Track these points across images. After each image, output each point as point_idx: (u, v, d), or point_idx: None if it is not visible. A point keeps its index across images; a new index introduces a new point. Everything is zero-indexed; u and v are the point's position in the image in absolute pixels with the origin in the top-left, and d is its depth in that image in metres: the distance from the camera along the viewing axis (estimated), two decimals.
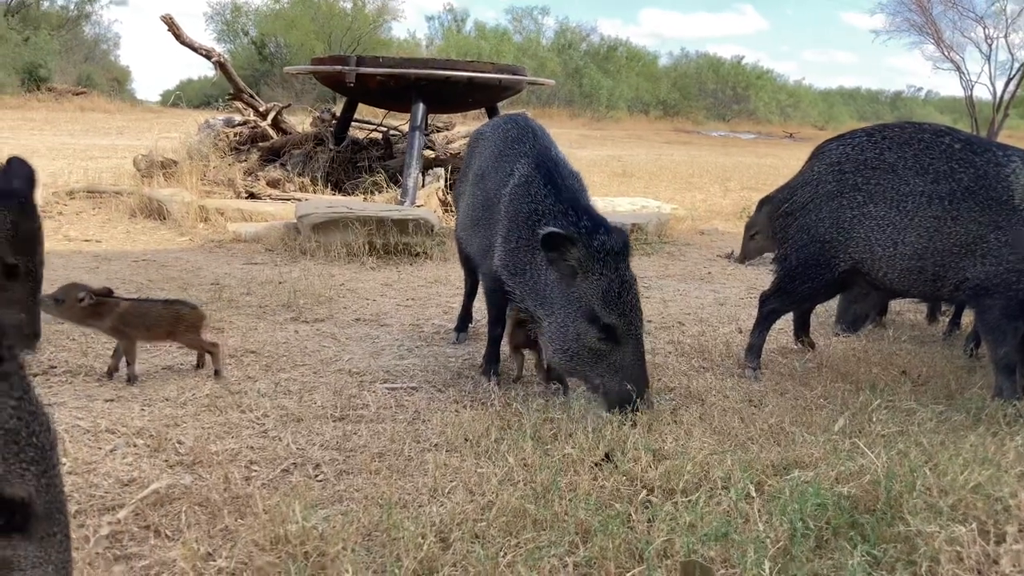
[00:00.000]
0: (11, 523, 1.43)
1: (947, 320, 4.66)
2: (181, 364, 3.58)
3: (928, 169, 3.38)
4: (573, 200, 3.26)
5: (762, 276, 6.09)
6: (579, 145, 22.87)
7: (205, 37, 41.80)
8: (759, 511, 2.28)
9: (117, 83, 37.74)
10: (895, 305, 5.11)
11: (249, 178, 7.92)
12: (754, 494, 2.36)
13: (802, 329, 4.31)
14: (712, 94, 45.37)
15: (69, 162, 11.23)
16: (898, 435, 2.90)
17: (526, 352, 3.64)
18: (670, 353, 4.08)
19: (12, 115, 23.00)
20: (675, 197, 10.80)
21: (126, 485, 2.44)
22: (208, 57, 8.49)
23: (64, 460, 2.53)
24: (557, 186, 3.30)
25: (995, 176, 3.28)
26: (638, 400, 3.04)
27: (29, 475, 1.43)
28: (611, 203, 8.50)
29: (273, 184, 7.85)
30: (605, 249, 3.05)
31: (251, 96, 8.92)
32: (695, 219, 8.82)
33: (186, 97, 31.99)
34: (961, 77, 33.91)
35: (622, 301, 3.06)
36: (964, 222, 3.28)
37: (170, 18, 8.07)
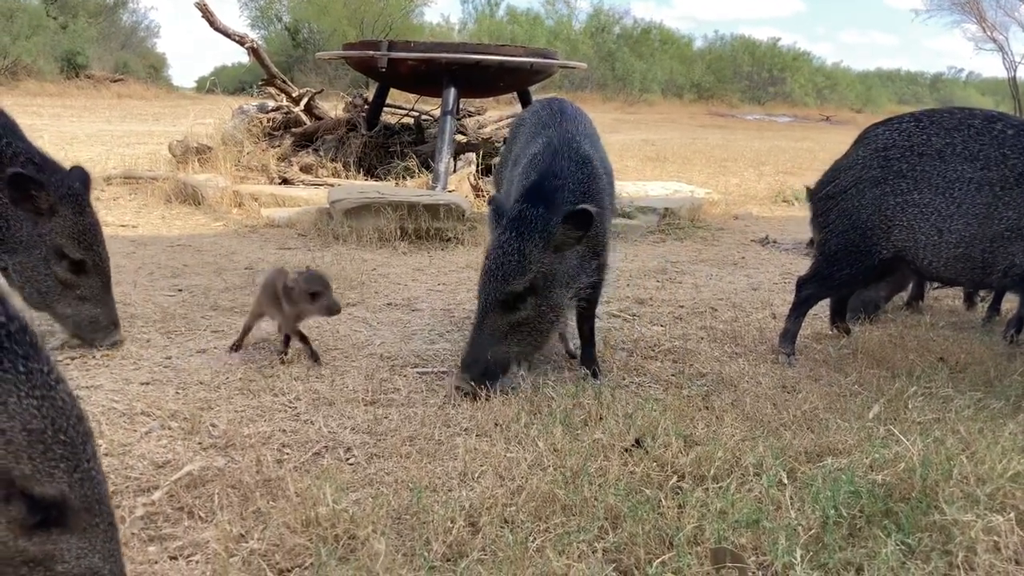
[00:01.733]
0: (48, 520, 1.46)
1: (986, 306, 4.57)
2: (215, 348, 3.62)
3: (978, 155, 3.30)
4: (539, 178, 3.24)
5: (796, 262, 6.02)
6: (612, 129, 22.73)
7: (239, 23, 42.13)
8: (791, 498, 2.26)
9: (154, 70, 38.18)
10: (934, 291, 5.02)
11: (282, 163, 7.96)
12: (786, 481, 2.34)
13: (838, 315, 4.25)
14: (747, 77, 44.81)
15: (107, 148, 11.40)
16: (934, 422, 2.86)
17: None
18: (702, 339, 4.05)
19: (52, 102, 23.38)
20: (709, 181, 10.70)
21: (160, 467, 2.48)
22: (241, 43, 8.53)
23: (100, 442, 2.58)
24: (544, 164, 3.29)
25: None
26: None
27: (59, 472, 1.45)
28: (643, 187, 8.45)
29: (306, 169, 7.89)
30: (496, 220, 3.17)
31: (284, 82, 8.96)
32: (729, 204, 8.73)
33: (221, 83, 32.20)
34: (1004, 58, 33.22)
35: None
36: (1017, 207, 3.20)
37: (204, 4, 8.12)
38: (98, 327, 3.48)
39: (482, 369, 3.09)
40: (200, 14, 8.15)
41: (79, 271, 3.40)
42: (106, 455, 2.50)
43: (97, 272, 3.45)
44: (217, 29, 8.40)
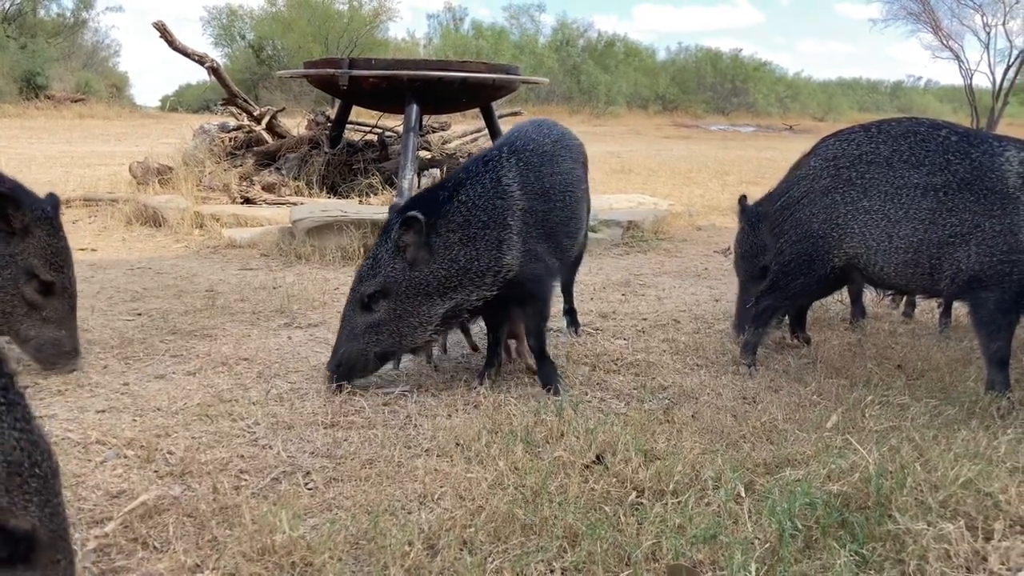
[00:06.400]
0: (15, 554, 1.45)
1: (940, 312, 4.65)
2: (173, 373, 3.57)
3: (924, 161, 3.37)
4: (424, 191, 3.61)
5: None
6: None
7: (202, 42, 41.85)
8: (749, 511, 2.27)
9: (116, 89, 37.73)
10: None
11: (244, 183, 7.90)
12: (743, 494, 2.35)
13: (798, 324, 4.30)
14: (711, 88, 45.26)
15: (67, 170, 11.26)
16: (891, 431, 2.89)
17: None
18: (665, 351, 4.07)
19: (11, 124, 23.06)
20: (673, 193, 10.79)
21: (115, 497, 2.44)
22: (201, 63, 8.47)
23: None
24: (442, 179, 3.51)
25: (990, 165, 3.28)
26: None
27: (32, 506, 1.45)
28: (608, 201, 8.49)
29: (268, 188, 7.84)
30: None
31: (245, 101, 8.91)
32: (692, 215, 8.80)
33: (185, 102, 31.96)
34: (960, 66, 33.88)
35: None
36: (959, 212, 3.27)
37: (162, 24, 8.06)
38: (60, 351, 3.46)
39: (338, 363, 3.30)
40: (159, 34, 8.09)
41: (47, 293, 3.42)
42: None
43: (64, 295, 3.47)
44: (176, 49, 8.33)
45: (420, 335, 3.34)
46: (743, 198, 4.34)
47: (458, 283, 3.29)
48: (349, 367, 3.30)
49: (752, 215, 4.17)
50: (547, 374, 3.49)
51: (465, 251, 3.28)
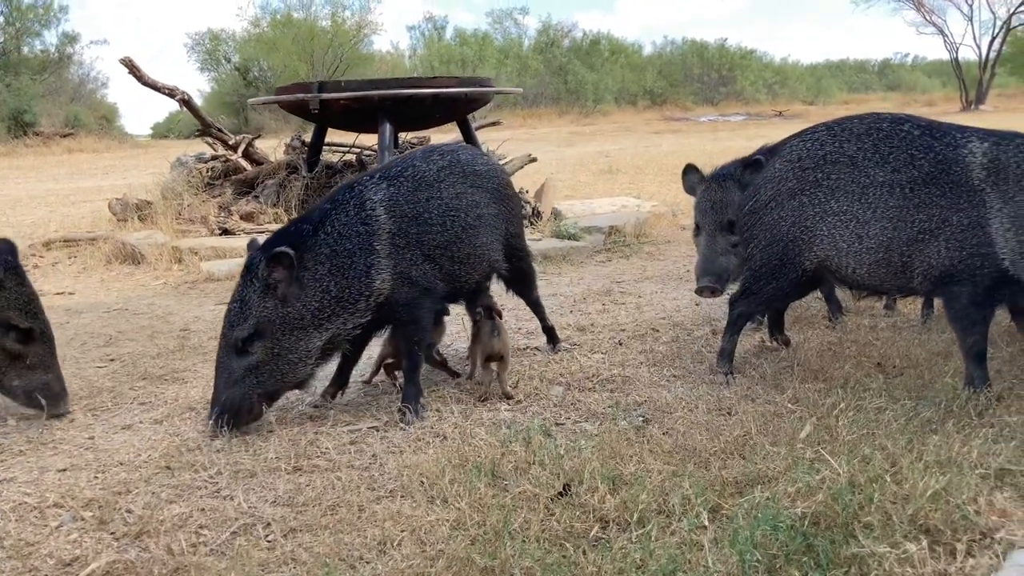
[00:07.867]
0: None
1: (921, 305, 4.58)
2: (140, 422, 3.51)
3: (888, 158, 3.32)
4: (288, 223, 3.60)
5: None
6: (567, 143, 22.84)
7: (188, 68, 41.93)
8: (713, 539, 2.21)
9: (105, 120, 37.72)
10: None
11: (223, 213, 7.85)
12: (707, 523, 2.29)
13: (776, 327, 4.24)
14: (698, 79, 45.16)
15: (51, 210, 11.23)
16: (864, 439, 2.82)
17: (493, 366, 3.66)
18: (642, 364, 4.01)
19: (0, 163, 23.02)
20: (660, 191, 10.71)
21: (68, 565, 2.37)
22: (172, 96, 8.41)
23: (5, 542, 2.48)
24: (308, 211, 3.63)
25: (953, 158, 3.22)
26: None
27: None
28: (590, 206, 8.43)
29: (247, 217, 7.78)
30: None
31: (219, 130, 8.86)
32: (676, 214, 8.72)
33: (176, 128, 31.94)
34: (945, 40, 33.83)
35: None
36: (927, 208, 3.21)
37: (129, 61, 8.01)
38: (50, 393, 3.49)
39: (220, 411, 3.21)
40: (127, 71, 8.04)
41: (27, 340, 3.44)
42: (9, 558, 2.40)
43: (44, 339, 3.50)
44: (146, 84, 8.28)
45: (302, 370, 3.32)
46: (689, 165, 4.38)
47: (332, 313, 3.29)
48: (235, 413, 3.22)
49: (719, 175, 4.22)
50: (409, 395, 3.45)
51: (335, 281, 3.28)
